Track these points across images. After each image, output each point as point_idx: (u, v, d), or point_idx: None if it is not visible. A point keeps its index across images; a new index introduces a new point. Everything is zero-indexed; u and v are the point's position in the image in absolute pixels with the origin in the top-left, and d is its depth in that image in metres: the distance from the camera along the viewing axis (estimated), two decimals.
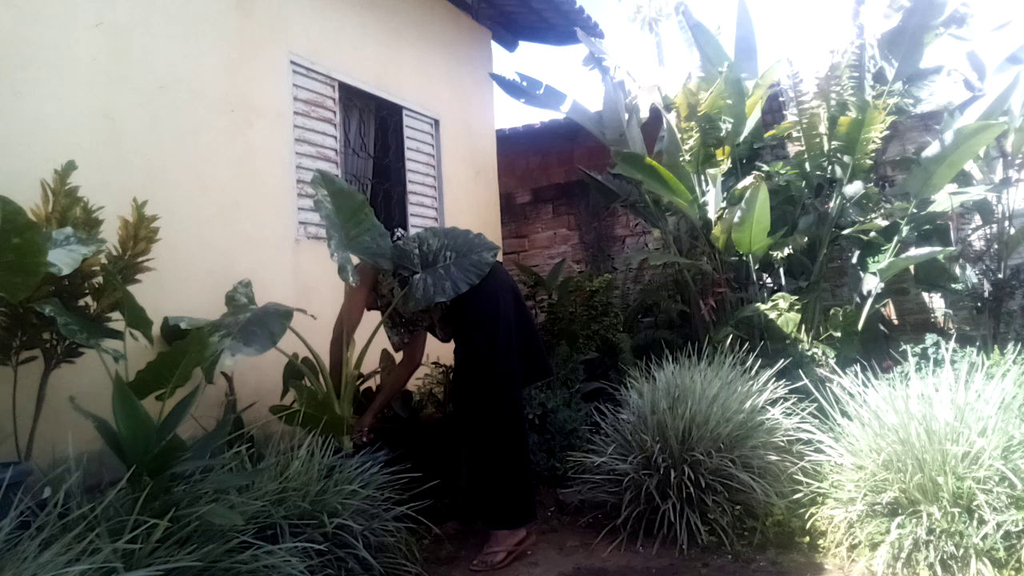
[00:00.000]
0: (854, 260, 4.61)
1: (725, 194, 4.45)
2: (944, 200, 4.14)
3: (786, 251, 4.37)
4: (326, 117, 4.15)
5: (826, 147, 4.40)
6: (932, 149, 3.97)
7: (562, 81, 36.72)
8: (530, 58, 55.37)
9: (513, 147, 7.12)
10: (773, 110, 5.48)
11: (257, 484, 2.33)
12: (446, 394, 3.70)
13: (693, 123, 4.48)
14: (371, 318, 3.19)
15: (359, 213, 3.04)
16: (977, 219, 4.59)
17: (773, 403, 3.18)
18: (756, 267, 4.47)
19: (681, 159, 4.61)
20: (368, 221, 3.07)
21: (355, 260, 3.00)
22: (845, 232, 4.37)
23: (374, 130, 4.77)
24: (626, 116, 4.95)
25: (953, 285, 4.44)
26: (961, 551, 2.33)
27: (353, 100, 4.50)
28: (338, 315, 3.16)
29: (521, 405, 3.02)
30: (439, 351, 3.95)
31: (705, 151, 4.57)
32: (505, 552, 2.80)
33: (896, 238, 4.22)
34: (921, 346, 3.74)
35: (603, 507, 3.14)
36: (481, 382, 2.90)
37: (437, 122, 5.14)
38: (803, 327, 4.24)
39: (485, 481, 2.89)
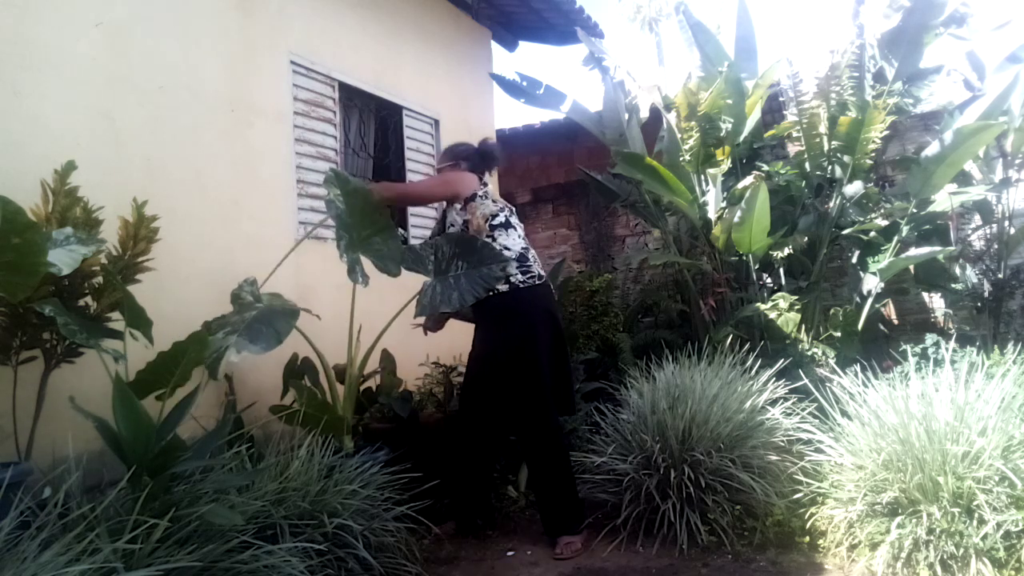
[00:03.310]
0: (854, 260, 4.61)
1: (725, 194, 4.45)
2: (944, 200, 4.13)
3: (786, 251, 4.37)
4: (326, 117, 4.15)
5: (826, 147, 4.40)
6: (932, 149, 3.97)
7: (562, 81, 36.72)
8: (530, 58, 55.38)
9: (513, 147, 7.12)
10: (773, 110, 5.48)
11: (257, 484, 2.33)
12: (446, 394, 3.70)
13: (693, 123, 4.47)
14: (377, 316, 3.18)
15: (372, 214, 3.03)
16: (977, 219, 4.59)
17: (773, 403, 3.18)
18: (756, 267, 4.47)
19: (681, 159, 4.60)
20: (381, 222, 3.06)
21: (364, 260, 2.99)
22: (845, 232, 4.37)
23: (374, 130, 4.77)
24: (626, 116, 4.94)
25: (953, 285, 4.44)
26: (961, 551, 2.33)
27: (353, 100, 4.50)
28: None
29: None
30: (439, 351, 3.96)
31: (705, 151, 4.57)
32: (579, 542, 2.88)
33: (896, 238, 4.22)
34: (921, 346, 3.73)
35: (603, 507, 3.13)
36: (537, 396, 2.94)
37: (437, 122, 5.13)
38: (803, 327, 4.24)
39: (552, 491, 2.95)
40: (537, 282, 3.05)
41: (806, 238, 4.44)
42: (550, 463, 2.95)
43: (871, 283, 4.26)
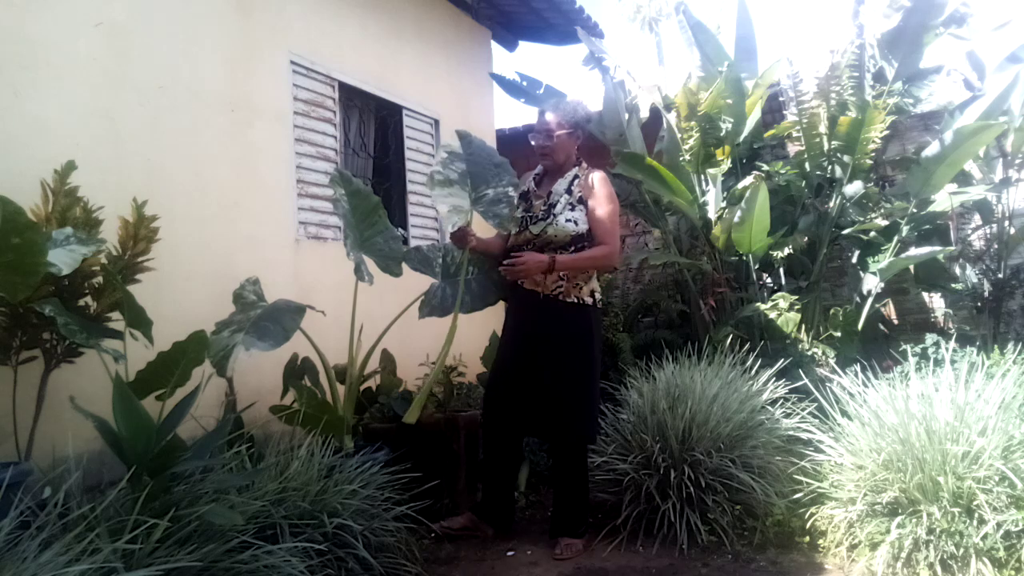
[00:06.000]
0: (854, 260, 4.61)
1: (725, 194, 4.45)
2: (944, 200, 4.13)
3: (786, 251, 4.37)
4: (326, 117, 4.15)
5: (826, 147, 4.40)
6: (932, 149, 3.97)
7: (562, 81, 36.71)
8: (530, 58, 55.39)
9: (513, 147, 7.11)
10: (773, 110, 5.48)
11: (257, 484, 2.33)
12: (446, 394, 3.70)
13: (693, 123, 4.47)
14: (377, 317, 3.17)
15: (373, 215, 3.06)
16: (977, 219, 4.59)
17: (773, 403, 3.18)
18: (756, 267, 4.47)
19: (681, 159, 4.60)
20: (381, 223, 3.09)
21: (368, 260, 3.00)
22: (845, 232, 4.37)
23: (374, 130, 4.77)
24: (626, 116, 4.94)
25: (953, 285, 4.44)
26: (961, 551, 2.33)
27: (353, 100, 4.50)
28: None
29: None
30: (437, 350, 3.95)
31: (705, 151, 4.57)
32: (581, 544, 2.88)
33: (896, 238, 4.22)
34: (921, 346, 3.73)
35: (603, 507, 3.14)
36: (591, 401, 2.97)
37: (437, 122, 5.13)
38: (803, 327, 4.24)
39: (570, 494, 2.95)
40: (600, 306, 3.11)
41: (806, 238, 4.44)
42: (578, 468, 2.96)
43: (871, 283, 4.26)
